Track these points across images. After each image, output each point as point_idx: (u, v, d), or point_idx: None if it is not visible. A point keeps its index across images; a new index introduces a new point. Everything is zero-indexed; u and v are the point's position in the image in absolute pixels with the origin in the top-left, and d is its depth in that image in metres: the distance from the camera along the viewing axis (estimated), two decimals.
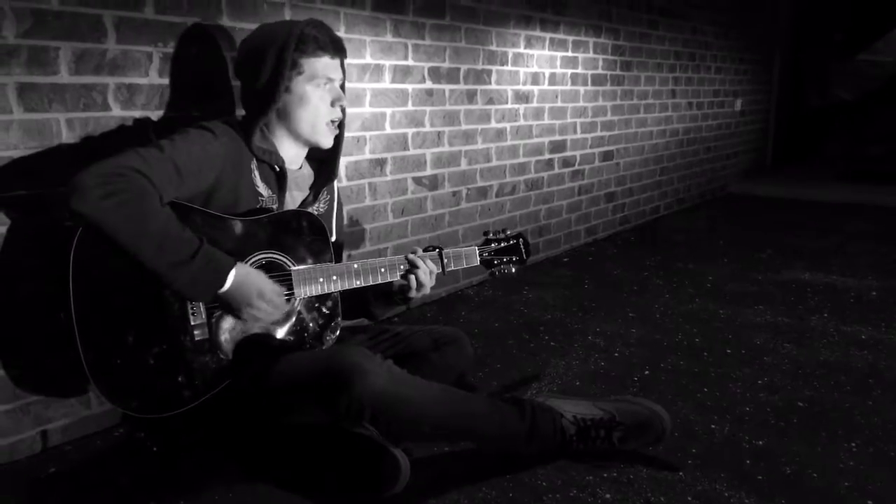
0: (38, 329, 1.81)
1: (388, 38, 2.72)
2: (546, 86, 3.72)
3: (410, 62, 2.84)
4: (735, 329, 2.83)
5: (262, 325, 1.69)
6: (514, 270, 2.03)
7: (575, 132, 4.06)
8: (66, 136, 1.81)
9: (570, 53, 3.87)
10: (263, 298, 1.62)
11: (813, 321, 2.92)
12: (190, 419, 1.66)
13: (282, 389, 1.64)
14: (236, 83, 2.16)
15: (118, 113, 1.90)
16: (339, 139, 1.89)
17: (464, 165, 3.23)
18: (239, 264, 1.60)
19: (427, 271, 1.85)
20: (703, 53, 5.47)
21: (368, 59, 2.65)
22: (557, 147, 3.92)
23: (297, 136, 1.82)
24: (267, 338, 1.71)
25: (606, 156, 4.43)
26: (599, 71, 4.18)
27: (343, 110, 1.84)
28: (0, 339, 1.77)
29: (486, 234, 2.04)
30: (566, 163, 4.03)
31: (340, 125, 1.86)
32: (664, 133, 5.11)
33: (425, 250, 1.91)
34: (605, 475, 1.75)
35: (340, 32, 2.48)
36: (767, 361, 2.49)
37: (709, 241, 4.48)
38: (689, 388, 2.27)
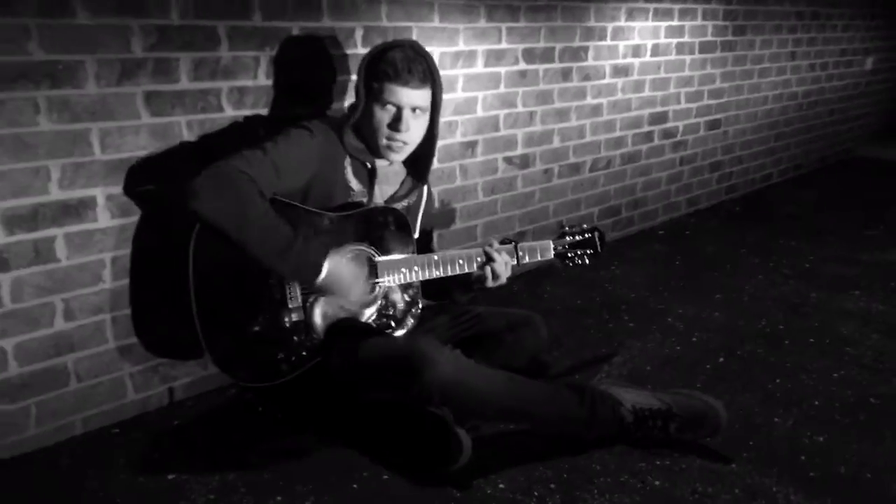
0: (164, 304, 2.10)
1: (482, 23, 2.81)
2: (648, 58, 3.68)
3: (504, 45, 2.92)
4: (823, 316, 2.79)
5: (351, 307, 1.92)
6: (588, 262, 2.11)
7: (678, 102, 4.00)
8: (187, 137, 2.06)
9: (675, 22, 3.80)
10: (353, 286, 1.85)
11: None
12: (286, 390, 1.91)
13: (362, 371, 1.84)
14: (334, 82, 2.35)
15: (231, 113, 2.14)
16: (430, 146, 2.02)
17: (556, 143, 3.30)
18: (331, 254, 1.80)
19: (503, 262, 1.99)
20: (829, 12, 5.15)
21: (461, 47, 2.75)
22: (658, 119, 3.89)
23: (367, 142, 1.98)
24: (354, 321, 1.93)
25: (713, 125, 4.33)
26: (708, 38, 4.06)
27: (405, 139, 1.91)
28: (133, 312, 2.08)
29: (561, 226, 2.13)
30: (667, 134, 3.99)
31: (431, 138, 1.99)
32: (780, 97, 4.91)
33: (501, 243, 2.04)
34: (658, 462, 1.86)
35: (434, 23, 2.60)
36: (849, 352, 2.48)
37: (817, 213, 4.33)
38: (760, 379, 2.30)
